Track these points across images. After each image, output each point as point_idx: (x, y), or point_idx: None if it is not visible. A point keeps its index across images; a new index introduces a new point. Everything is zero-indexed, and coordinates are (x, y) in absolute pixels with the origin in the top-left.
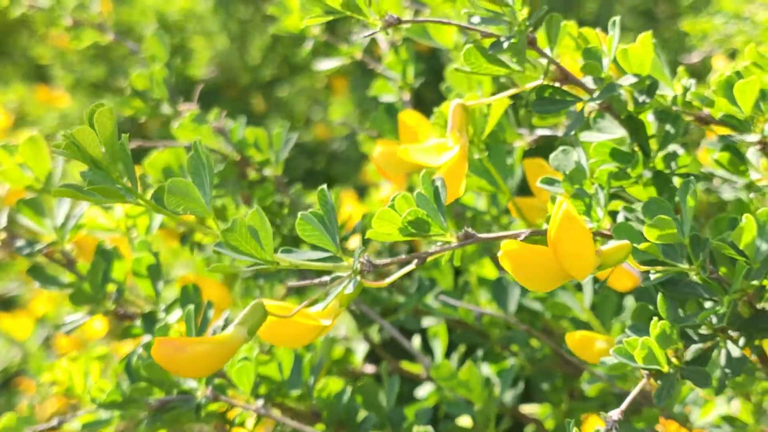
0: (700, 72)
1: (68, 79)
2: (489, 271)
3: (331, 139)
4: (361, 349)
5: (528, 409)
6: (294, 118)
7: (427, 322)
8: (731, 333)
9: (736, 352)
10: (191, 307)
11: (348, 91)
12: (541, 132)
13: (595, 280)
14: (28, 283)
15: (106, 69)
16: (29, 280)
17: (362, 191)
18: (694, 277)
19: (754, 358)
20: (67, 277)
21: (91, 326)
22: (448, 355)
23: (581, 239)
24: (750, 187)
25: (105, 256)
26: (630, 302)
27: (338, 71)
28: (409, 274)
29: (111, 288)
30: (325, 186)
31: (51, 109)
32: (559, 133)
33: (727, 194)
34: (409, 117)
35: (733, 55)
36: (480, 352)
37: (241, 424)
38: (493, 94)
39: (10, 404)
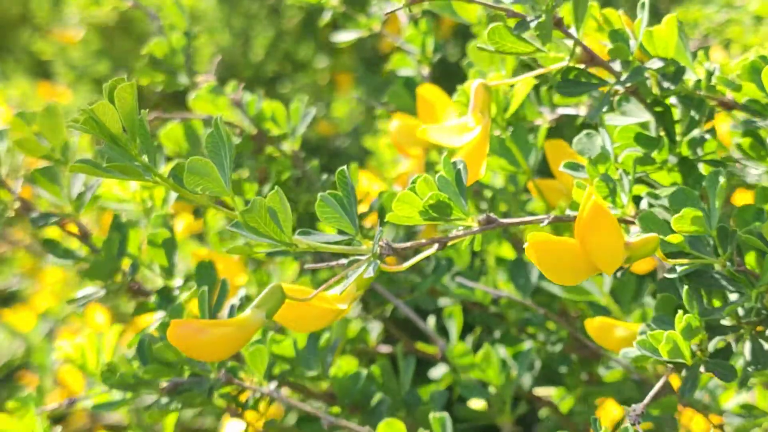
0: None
1: (70, 75)
2: (507, 252)
3: (334, 136)
4: (375, 328)
5: (543, 392)
6: None
7: (442, 302)
8: (756, 325)
9: (764, 345)
10: (205, 288)
11: (351, 88)
12: (562, 111)
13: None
14: (31, 278)
15: (108, 65)
16: (31, 275)
17: None
18: (720, 269)
19: None
20: (82, 250)
21: (94, 319)
22: (463, 336)
23: (611, 233)
24: None
25: (120, 229)
26: (648, 285)
27: (342, 67)
28: None
29: (126, 262)
30: (345, 167)
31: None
32: (581, 112)
33: (752, 178)
34: (427, 91)
35: (727, 45)
36: (497, 335)
37: (254, 407)
38: (515, 72)
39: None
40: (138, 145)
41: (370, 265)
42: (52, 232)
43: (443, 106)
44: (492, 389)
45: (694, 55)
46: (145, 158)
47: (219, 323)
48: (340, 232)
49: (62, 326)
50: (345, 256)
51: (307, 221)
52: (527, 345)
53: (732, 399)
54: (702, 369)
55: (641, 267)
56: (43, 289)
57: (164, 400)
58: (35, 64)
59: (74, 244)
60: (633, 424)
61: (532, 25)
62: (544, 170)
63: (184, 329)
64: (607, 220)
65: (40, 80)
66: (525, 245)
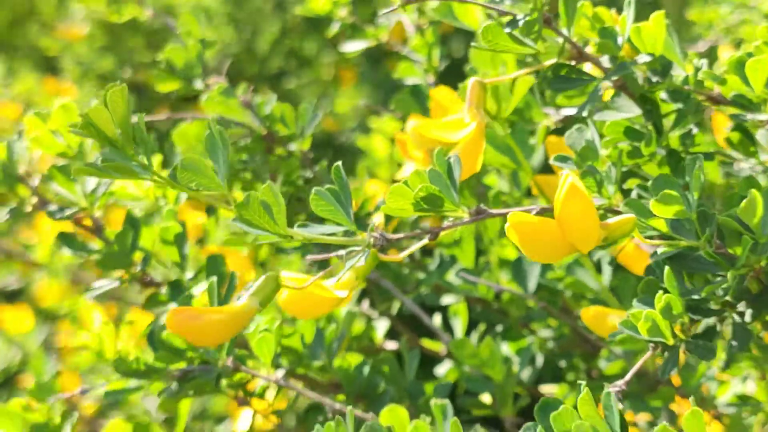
0: (708, 61)
1: (76, 71)
2: (510, 252)
3: (338, 132)
4: (381, 325)
5: (547, 388)
6: None
7: (447, 300)
8: (738, 308)
9: (741, 324)
10: (214, 279)
11: (355, 84)
12: (566, 112)
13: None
14: (31, 276)
15: (114, 61)
16: (31, 272)
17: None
18: (702, 253)
19: (766, 334)
20: (96, 243)
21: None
22: (467, 333)
23: (585, 211)
24: (761, 167)
25: (133, 224)
26: None
27: (347, 63)
28: (430, 252)
29: (138, 256)
30: (339, 163)
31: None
32: (585, 113)
33: (744, 173)
34: (441, 94)
35: (739, 44)
36: (499, 329)
37: (261, 395)
38: None
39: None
40: (134, 146)
41: (363, 254)
42: (66, 226)
43: (456, 107)
44: (495, 383)
45: (685, 52)
46: (142, 158)
47: (214, 310)
48: (337, 224)
49: (61, 323)
50: (343, 247)
51: (317, 219)
52: (529, 340)
53: (729, 390)
54: (683, 349)
55: (640, 267)
56: (45, 287)
57: (174, 387)
58: (42, 60)
59: (87, 239)
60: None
61: (521, 23)
62: (547, 169)
63: (180, 315)
64: (581, 199)
65: (46, 76)
66: (506, 225)
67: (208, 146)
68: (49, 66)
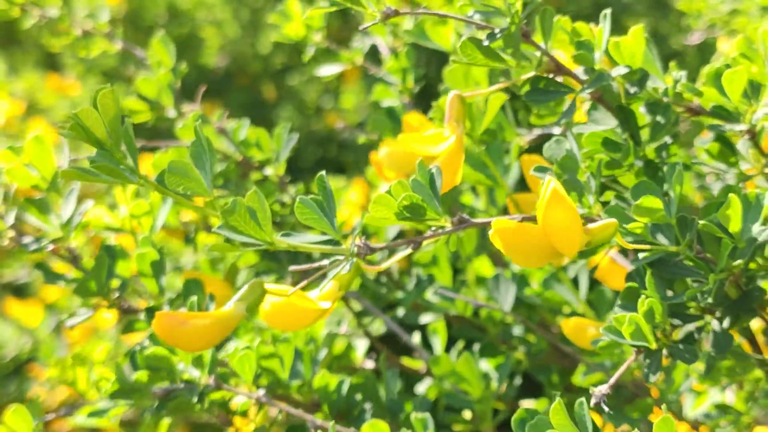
0: (703, 53)
1: (79, 68)
2: (486, 269)
3: (342, 128)
4: (361, 345)
5: (526, 403)
6: (305, 107)
7: (426, 318)
8: (717, 313)
9: (721, 330)
10: (194, 298)
11: (359, 80)
12: (538, 131)
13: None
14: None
15: (116, 57)
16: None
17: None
18: (683, 258)
19: (743, 341)
20: (73, 273)
21: (101, 316)
22: (447, 350)
23: (569, 215)
24: (740, 177)
25: (109, 253)
26: None
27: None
28: (408, 272)
29: (115, 284)
30: (323, 172)
31: (62, 97)
32: (557, 131)
33: (718, 188)
34: (413, 119)
35: (733, 35)
36: (477, 347)
37: (243, 413)
38: None
39: (21, 390)
40: (123, 149)
41: (347, 262)
42: (43, 255)
43: (426, 131)
44: (474, 399)
45: (666, 65)
46: (130, 162)
47: (201, 315)
48: (321, 233)
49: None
50: (327, 257)
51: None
52: (507, 356)
53: (707, 400)
54: (665, 353)
55: (618, 282)
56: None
57: (156, 406)
58: (44, 57)
59: (65, 268)
60: (597, 403)
61: (499, 36)
62: (522, 187)
63: (168, 319)
64: (565, 204)
65: (49, 72)
66: (490, 232)
67: (193, 153)
68: (51, 62)
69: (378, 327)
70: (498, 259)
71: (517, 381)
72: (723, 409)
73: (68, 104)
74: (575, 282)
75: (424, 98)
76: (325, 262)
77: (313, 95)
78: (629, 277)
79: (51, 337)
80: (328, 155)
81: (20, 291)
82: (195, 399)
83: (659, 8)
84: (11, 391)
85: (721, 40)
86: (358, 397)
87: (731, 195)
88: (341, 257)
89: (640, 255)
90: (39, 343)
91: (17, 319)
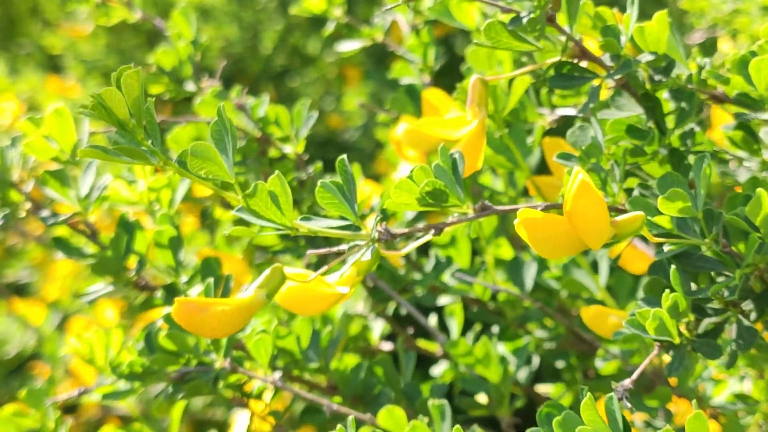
0: (706, 51)
1: (80, 69)
2: (505, 252)
3: (343, 130)
4: (378, 326)
5: (543, 388)
6: None
7: (443, 300)
8: (743, 307)
9: (747, 325)
10: (211, 279)
11: (360, 82)
12: (561, 112)
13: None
14: (41, 271)
15: (117, 59)
16: (42, 267)
17: (376, 181)
18: (707, 251)
19: (766, 334)
20: (90, 248)
21: (103, 314)
22: (463, 334)
23: (596, 208)
24: (763, 165)
25: (127, 228)
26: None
27: (350, 61)
28: (426, 253)
29: (133, 260)
30: (345, 156)
31: (63, 98)
32: (580, 113)
33: (744, 177)
34: (432, 95)
35: (735, 36)
36: (495, 330)
37: (259, 397)
38: None
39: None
40: (145, 130)
41: (368, 249)
42: (61, 230)
43: (447, 109)
44: (491, 383)
45: (689, 51)
46: (151, 143)
47: (221, 302)
48: (341, 218)
49: (72, 318)
50: (346, 241)
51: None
52: (525, 340)
53: (726, 389)
54: (689, 348)
55: (638, 267)
56: (54, 281)
57: (171, 389)
58: (45, 58)
59: (82, 242)
60: (620, 399)
61: (525, 20)
62: (543, 169)
63: (187, 307)
64: (592, 195)
65: (50, 74)
66: (515, 222)
67: (215, 134)
68: (52, 64)
69: (392, 309)
70: (517, 242)
71: (534, 365)
72: (742, 398)
73: (69, 106)
74: (594, 266)
75: (446, 77)
76: (344, 246)
77: (314, 97)
78: (652, 269)
79: (55, 334)
80: (329, 157)
81: (21, 291)
82: (210, 382)
83: (658, 6)
84: (15, 387)
85: (722, 40)
86: (376, 380)
87: (759, 189)
88: (361, 242)
89: (665, 248)
90: (42, 340)
91: (21, 316)
